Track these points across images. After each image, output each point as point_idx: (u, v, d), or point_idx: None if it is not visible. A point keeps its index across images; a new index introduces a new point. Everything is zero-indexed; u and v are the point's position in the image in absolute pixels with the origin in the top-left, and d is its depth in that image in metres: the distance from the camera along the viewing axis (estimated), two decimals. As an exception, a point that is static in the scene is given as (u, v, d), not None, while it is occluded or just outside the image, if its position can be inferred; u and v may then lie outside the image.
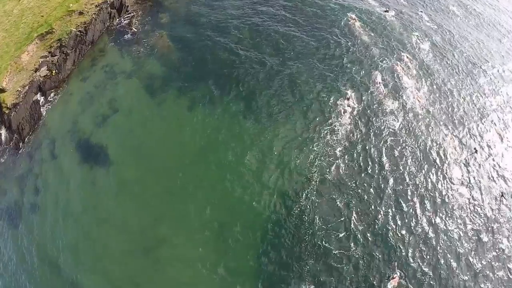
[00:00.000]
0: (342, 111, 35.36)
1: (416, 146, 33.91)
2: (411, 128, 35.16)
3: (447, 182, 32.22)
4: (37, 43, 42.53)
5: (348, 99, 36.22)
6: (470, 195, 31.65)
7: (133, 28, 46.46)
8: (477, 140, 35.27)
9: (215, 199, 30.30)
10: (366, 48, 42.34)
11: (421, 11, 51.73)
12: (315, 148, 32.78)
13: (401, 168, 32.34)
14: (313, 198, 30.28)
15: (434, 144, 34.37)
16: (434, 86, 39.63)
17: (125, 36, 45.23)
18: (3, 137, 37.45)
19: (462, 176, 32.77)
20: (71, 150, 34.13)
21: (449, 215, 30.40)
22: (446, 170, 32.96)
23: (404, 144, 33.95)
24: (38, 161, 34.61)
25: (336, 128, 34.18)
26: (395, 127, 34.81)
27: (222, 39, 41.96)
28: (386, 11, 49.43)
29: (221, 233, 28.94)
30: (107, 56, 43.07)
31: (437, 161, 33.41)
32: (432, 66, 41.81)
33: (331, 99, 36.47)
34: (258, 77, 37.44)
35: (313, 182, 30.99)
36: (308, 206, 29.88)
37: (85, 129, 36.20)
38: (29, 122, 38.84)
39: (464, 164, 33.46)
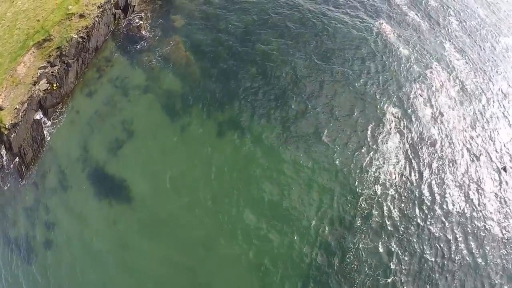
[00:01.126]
0: (386, 138, 32.63)
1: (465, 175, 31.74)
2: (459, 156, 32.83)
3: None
4: (34, 52, 37.50)
5: (391, 121, 33.50)
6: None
7: (143, 33, 41.56)
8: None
9: (253, 243, 27.44)
10: (401, 60, 39.29)
11: (451, 16, 48.86)
12: (358, 186, 30.05)
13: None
14: (359, 243, 27.90)
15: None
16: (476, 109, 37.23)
17: (134, 42, 40.36)
18: (4, 160, 33.27)
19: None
20: (84, 187, 30.36)
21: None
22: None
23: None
24: (47, 192, 31.04)
25: (381, 160, 31.49)
26: (446, 159, 32.28)
27: (246, 49, 37.84)
28: (416, 14, 46.52)
29: (263, 282, 26.33)
30: (115, 67, 38.39)
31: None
32: (468, 81, 39.38)
33: (372, 123, 33.58)
34: (292, 96, 33.94)
35: (357, 224, 28.49)
36: (354, 253, 27.52)
37: (97, 157, 32.13)
38: (32, 146, 34.39)
39: None
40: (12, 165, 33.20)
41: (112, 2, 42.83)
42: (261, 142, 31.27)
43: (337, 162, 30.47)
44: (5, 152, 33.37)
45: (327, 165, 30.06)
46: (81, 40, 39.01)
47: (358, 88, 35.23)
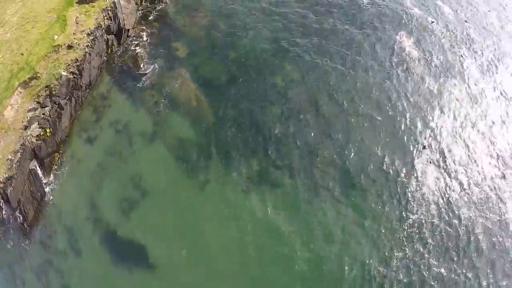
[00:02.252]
0: (420, 181, 30.83)
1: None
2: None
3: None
4: (20, 92, 32.77)
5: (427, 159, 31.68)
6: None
7: (141, 65, 37.22)
8: None
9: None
10: (424, 80, 37.35)
11: (466, 21, 46.98)
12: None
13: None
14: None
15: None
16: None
17: (132, 76, 35.96)
18: (4, 213, 29.32)
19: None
20: (97, 250, 26.84)
21: None
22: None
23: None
24: (58, 254, 27.73)
25: (416, 204, 29.70)
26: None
27: (263, 84, 34.57)
28: (433, 22, 44.86)
29: None
30: (114, 107, 34.10)
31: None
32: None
33: (399, 162, 31.61)
34: (320, 143, 31.33)
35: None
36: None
37: (108, 218, 28.39)
38: (32, 202, 30.22)
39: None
40: (12, 220, 29.59)
41: (103, 27, 38.24)
42: (290, 197, 28.61)
43: (378, 216, 28.56)
44: (3, 202, 29.52)
45: (370, 227, 28.01)
46: (71, 76, 34.47)
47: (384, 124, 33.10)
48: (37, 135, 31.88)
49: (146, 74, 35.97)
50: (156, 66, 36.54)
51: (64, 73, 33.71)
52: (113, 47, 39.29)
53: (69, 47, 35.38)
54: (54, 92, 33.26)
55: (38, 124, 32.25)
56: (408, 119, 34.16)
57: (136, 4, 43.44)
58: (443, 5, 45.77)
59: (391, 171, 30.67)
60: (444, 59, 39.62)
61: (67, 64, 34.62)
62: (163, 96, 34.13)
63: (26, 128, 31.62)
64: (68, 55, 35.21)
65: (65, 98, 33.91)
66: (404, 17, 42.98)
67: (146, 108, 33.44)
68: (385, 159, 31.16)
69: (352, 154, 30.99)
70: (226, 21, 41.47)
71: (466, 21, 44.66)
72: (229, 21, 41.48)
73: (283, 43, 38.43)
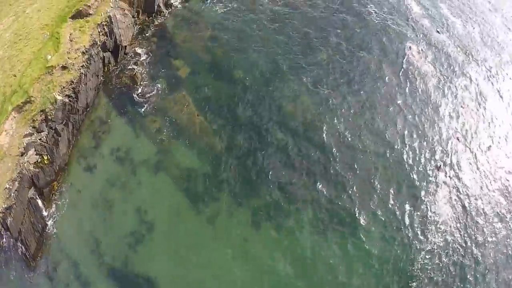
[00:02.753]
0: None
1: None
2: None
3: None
4: (15, 117, 30.87)
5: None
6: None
7: (140, 85, 35.45)
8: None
9: None
10: (434, 96, 36.66)
11: (473, 28, 46.54)
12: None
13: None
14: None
15: None
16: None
17: (131, 99, 34.12)
18: (4, 241, 27.75)
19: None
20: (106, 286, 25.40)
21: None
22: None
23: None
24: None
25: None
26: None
27: (271, 108, 33.24)
28: (438, 31, 44.32)
29: None
30: (114, 133, 32.35)
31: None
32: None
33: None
34: (329, 172, 30.38)
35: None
36: None
37: (115, 253, 26.88)
38: (33, 234, 28.61)
39: None
40: (14, 250, 28.05)
41: (98, 44, 36.36)
42: (305, 232, 27.54)
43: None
44: (3, 231, 27.96)
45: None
46: (67, 100, 32.66)
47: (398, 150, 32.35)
48: (35, 162, 30.24)
49: (145, 96, 34.27)
50: (156, 88, 34.80)
51: (59, 97, 31.87)
52: (109, 65, 37.42)
53: (64, 67, 33.47)
54: (49, 117, 31.48)
55: (34, 150, 30.58)
56: (419, 139, 33.47)
57: (133, 17, 41.55)
58: (450, 15, 45.29)
59: (402, 199, 29.93)
60: (454, 73, 39.06)
61: (62, 87, 32.74)
62: (165, 122, 32.51)
63: (22, 154, 29.97)
64: (62, 77, 33.28)
65: (61, 123, 32.13)
66: (410, 29, 42.34)
67: (148, 134, 31.82)
68: (396, 185, 30.40)
69: (362, 180, 30.15)
70: (228, 36, 39.91)
71: (473, 29, 44.22)
72: (230, 36, 39.92)
73: (287, 61, 37.12)
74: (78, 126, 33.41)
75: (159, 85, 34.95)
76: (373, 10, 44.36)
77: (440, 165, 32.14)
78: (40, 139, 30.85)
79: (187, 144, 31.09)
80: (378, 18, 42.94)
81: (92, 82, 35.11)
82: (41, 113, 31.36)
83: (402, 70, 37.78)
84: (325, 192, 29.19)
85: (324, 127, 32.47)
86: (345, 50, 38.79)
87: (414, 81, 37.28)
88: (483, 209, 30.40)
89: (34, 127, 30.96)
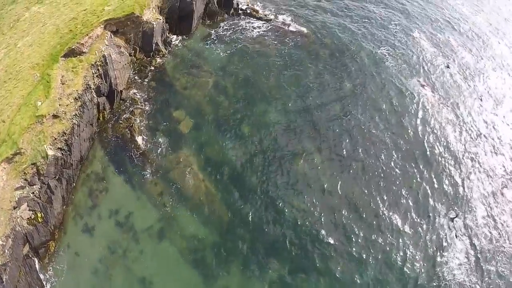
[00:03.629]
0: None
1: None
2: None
3: None
4: (5, 168, 31.54)
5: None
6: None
7: (138, 140, 36.73)
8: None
9: None
10: (447, 135, 40.30)
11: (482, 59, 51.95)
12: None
13: None
14: None
15: None
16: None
17: (129, 154, 34.59)
18: None
19: None
20: None
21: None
22: None
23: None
24: None
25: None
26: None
27: (284, 170, 35.49)
28: (447, 66, 49.38)
29: None
30: (112, 193, 32.99)
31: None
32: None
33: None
34: (345, 235, 32.77)
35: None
36: None
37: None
38: None
39: None
40: None
41: (92, 87, 37.89)
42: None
43: None
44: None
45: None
46: (59, 154, 33.71)
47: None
48: (28, 219, 30.94)
49: (145, 154, 35.38)
50: (156, 145, 35.76)
51: (50, 152, 32.86)
52: (104, 112, 38.59)
53: (55, 116, 34.61)
54: (41, 172, 32.40)
55: (27, 205, 31.38)
56: (433, 184, 36.64)
57: (130, 55, 43.33)
58: (458, 46, 50.77)
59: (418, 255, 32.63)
60: (464, 107, 43.57)
61: (54, 138, 33.56)
62: (168, 185, 33.28)
63: (15, 208, 30.72)
64: (54, 127, 34.17)
65: (54, 178, 33.02)
66: (420, 63, 46.99)
67: (149, 198, 32.71)
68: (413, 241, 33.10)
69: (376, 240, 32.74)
70: (233, 84, 42.02)
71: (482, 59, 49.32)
72: (236, 84, 42.01)
73: (300, 114, 39.54)
74: (72, 182, 34.26)
75: (158, 141, 35.90)
76: (387, 52, 48.89)
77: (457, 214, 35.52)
78: (33, 193, 31.48)
79: (193, 211, 32.07)
80: (392, 62, 47.36)
81: (86, 132, 36.17)
82: (32, 166, 32.20)
83: (413, 106, 41.76)
84: (339, 263, 31.46)
85: (339, 191, 35.05)
86: (359, 93, 42.36)
87: (430, 128, 41.08)
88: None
89: (26, 180, 31.79)
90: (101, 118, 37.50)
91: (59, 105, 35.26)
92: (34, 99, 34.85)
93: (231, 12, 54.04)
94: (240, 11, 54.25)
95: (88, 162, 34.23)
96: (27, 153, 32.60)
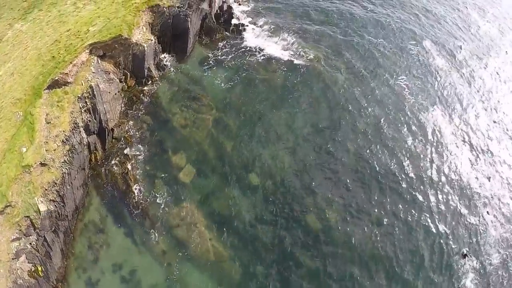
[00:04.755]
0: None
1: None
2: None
3: None
4: (-2, 219, 34.30)
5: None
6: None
7: (136, 190, 39.52)
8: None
9: None
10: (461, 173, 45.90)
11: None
12: None
13: None
14: None
15: None
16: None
17: (127, 204, 37.93)
18: None
19: None
20: None
21: None
22: None
23: None
24: None
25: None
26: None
27: (296, 225, 38.76)
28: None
29: None
30: (113, 246, 35.31)
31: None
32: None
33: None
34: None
35: None
36: None
37: None
38: None
39: None
40: None
41: (81, 125, 40.16)
42: None
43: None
44: None
45: None
46: (52, 207, 36.26)
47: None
48: (29, 271, 33.70)
49: (144, 206, 38.45)
50: (156, 196, 39.16)
51: (43, 208, 35.34)
52: (96, 153, 41.37)
53: (43, 165, 36.97)
54: (36, 225, 34.97)
55: (25, 257, 34.01)
56: (445, 222, 41.71)
57: (121, 81, 45.90)
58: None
59: None
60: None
61: (44, 189, 36.26)
62: (172, 243, 36.66)
63: (13, 259, 33.34)
64: (43, 176, 36.65)
65: (50, 230, 35.64)
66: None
67: (153, 256, 35.72)
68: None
69: None
70: (237, 121, 45.76)
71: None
72: (240, 122, 45.82)
73: (311, 157, 43.68)
74: (70, 233, 37.14)
75: (159, 192, 39.42)
76: (405, 84, 54.00)
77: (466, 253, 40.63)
78: (30, 244, 34.33)
79: (201, 272, 35.35)
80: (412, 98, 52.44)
81: (79, 179, 38.86)
82: (26, 218, 34.90)
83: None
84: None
85: (353, 242, 39.00)
86: (377, 143, 46.66)
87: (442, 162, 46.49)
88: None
89: (21, 231, 34.46)
90: (93, 160, 40.58)
91: (46, 150, 37.77)
92: (18, 145, 37.12)
93: (231, 28, 57.25)
94: (240, 27, 57.85)
95: (85, 210, 37.80)
96: (18, 205, 35.33)
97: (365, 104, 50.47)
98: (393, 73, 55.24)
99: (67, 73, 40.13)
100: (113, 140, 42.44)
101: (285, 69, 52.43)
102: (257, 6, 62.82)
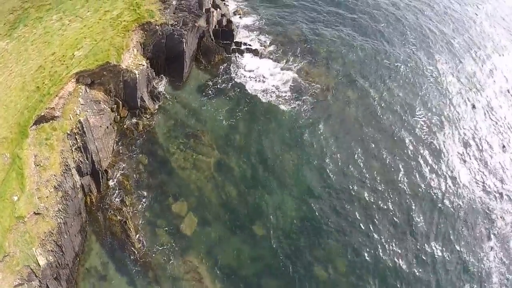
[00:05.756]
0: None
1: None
2: None
3: None
4: (-3, 266, 41.38)
5: None
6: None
7: (135, 240, 46.10)
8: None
9: None
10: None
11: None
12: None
13: None
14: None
15: None
16: None
17: (129, 257, 44.91)
18: None
19: None
20: None
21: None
22: None
23: None
24: None
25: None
26: None
27: (307, 278, 44.56)
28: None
29: None
30: None
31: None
32: None
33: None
34: None
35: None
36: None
37: None
38: None
39: None
40: None
41: (72, 166, 47.38)
42: None
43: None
44: None
45: None
46: (51, 258, 44.02)
47: None
48: None
49: (146, 258, 45.16)
50: (157, 247, 45.81)
51: (42, 261, 43.15)
52: (91, 195, 48.85)
53: (37, 213, 44.72)
54: (37, 274, 42.55)
55: None
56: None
57: (112, 110, 52.47)
58: None
59: None
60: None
61: (41, 239, 44.02)
62: (177, 296, 43.74)
63: None
64: (38, 226, 43.59)
65: (52, 278, 43.52)
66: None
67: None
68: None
69: None
70: (240, 164, 52.76)
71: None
72: (243, 164, 52.77)
73: (320, 206, 50.88)
74: (72, 279, 43.64)
75: (160, 244, 46.04)
76: (424, 121, 62.76)
77: None
78: None
79: None
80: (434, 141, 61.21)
81: (75, 225, 45.59)
82: (27, 267, 42.62)
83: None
84: None
85: None
86: (394, 192, 54.40)
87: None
88: None
89: (22, 277, 42.02)
90: (89, 202, 47.57)
91: (38, 198, 44.27)
92: (9, 193, 44.16)
93: (231, 48, 65.04)
94: (242, 47, 65.40)
95: (85, 255, 44.41)
96: (17, 255, 42.27)
97: (380, 143, 57.89)
98: (409, 108, 63.47)
99: (53, 107, 45.81)
100: (108, 180, 49.83)
101: (292, 101, 60.02)
102: (260, 19, 71.13)
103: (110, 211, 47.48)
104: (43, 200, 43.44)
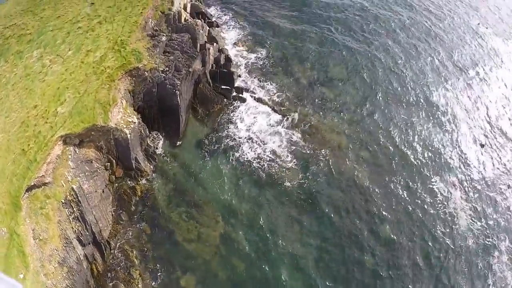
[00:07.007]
0: None
1: None
2: None
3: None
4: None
5: None
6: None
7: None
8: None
9: None
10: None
11: None
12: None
13: None
14: None
15: None
16: None
17: None
18: None
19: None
20: None
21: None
22: None
23: None
24: None
25: None
26: None
27: None
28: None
29: None
30: None
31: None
32: None
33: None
34: None
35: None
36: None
37: None
38: None
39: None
40: None
41: (73, 237, 53.59)
42: None
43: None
44: None
45: None
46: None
47: None
48: None
49: None
50: None
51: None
52: (96, 264, 57.51)
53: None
54: None
55: None
56: None
57: (106, 168, 61.17)
58: None
59: None
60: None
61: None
62: None
63: None
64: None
65: None
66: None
67: None
68: None
69: None
70: (247, 237, 62.66)
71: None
72: (249, 237, 62.89)
73: (327, 281, 62.02)
74: None
75: None
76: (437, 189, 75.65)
77: None
78: None
79: None
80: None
81: None
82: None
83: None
84: None
85: None
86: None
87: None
88: None
89: None
90: (95, 270, 57.26)
91: (44, 275, 52.24)
92: (14, 271, 53.70)
93: (232, 95, 75.02)
94: (244, 94, 75.50)
95: None
96: None
97: (393, 213, 69.57)
98: (429, 175, 76.94)
99: (43, 175, 52.86)
100: (112, 250, 59.33)
101: (301, 164, 72.22)
102: (264, 55, 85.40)
103: (117, 282, 57.83)
104: (49, 276, 51.95)
